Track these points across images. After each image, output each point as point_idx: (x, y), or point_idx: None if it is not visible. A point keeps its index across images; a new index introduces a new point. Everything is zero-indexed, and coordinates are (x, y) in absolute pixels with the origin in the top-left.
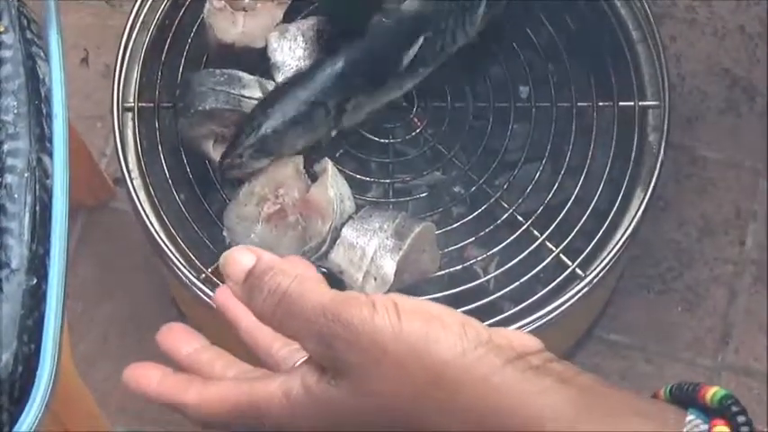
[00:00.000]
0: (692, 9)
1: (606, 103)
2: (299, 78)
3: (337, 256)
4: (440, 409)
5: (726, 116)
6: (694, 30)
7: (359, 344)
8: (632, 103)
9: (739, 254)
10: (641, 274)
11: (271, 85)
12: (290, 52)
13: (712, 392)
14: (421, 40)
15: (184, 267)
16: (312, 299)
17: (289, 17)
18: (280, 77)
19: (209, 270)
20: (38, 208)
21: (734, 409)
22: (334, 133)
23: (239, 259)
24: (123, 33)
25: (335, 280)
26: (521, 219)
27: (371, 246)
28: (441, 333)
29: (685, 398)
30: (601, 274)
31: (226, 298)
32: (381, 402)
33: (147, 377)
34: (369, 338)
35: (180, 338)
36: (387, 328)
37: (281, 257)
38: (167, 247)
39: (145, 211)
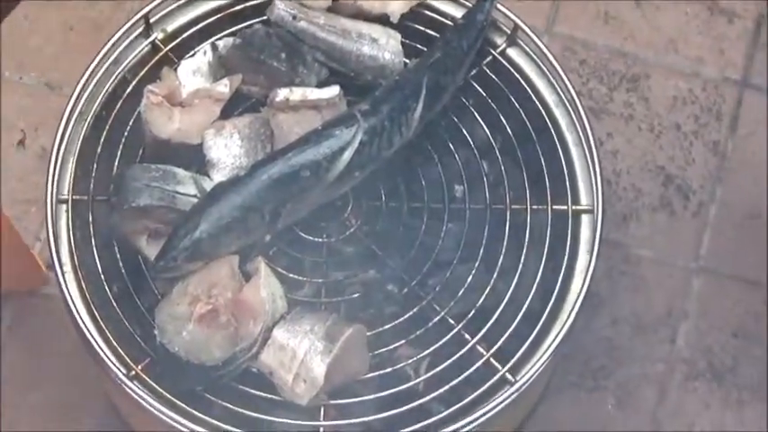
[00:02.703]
0: (629, 105)
1: (540, 207)
2: (235, 182)
3: (268, 358)
4: None
5: (660, 214)
6: (631, 126)
7: None
8: (566, 207)
9: (670, 352)
10: (573, 371)
11: (206, 182)
12: (225, 150)
13: None
14: (356, 144)
15: (113, 364)
16: None
17: (226, 114)
18: (215, 174)
19: (140, 367)
20: None
21: None
22: (268, 238)
23: None
24: (60, 124)
25: (266, 381)
26: (452, 322)
27: (302, 348)
28: None
29: None
30: (530, 381)
31: None
32: None
33: None
34: None
35: None
36: None
37: None
38: (96, 342)
39: (75, 306)
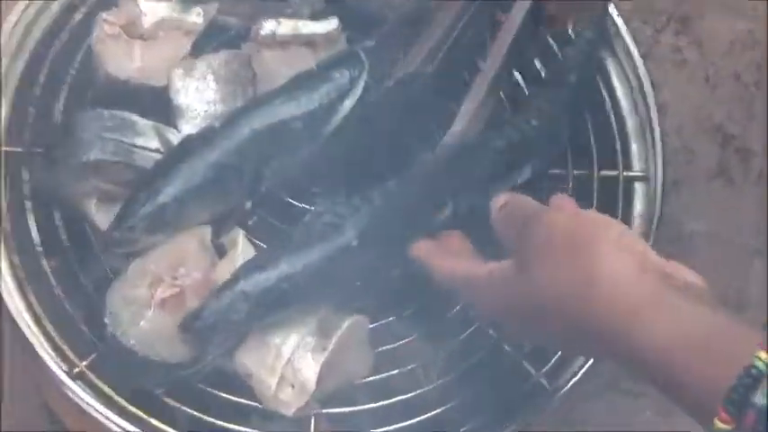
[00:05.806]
0: (678, 50)
1: (584, 172)
2: (209, 135)
3: (246, 356)
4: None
5: (716, 182)
6: (681, 75)
7: (543, 233)
8: (616, 173)
9: None
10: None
11: (172, 134)
12: (196, 94)
13: None
14: (359, 90)
15: (52, 359)
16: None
17: (198, 50)
18: (184, 125)
19: (84, 363)
20: None
21: None
22: (249, 204)
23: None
24: None
25: (243, 384)
26: None
27: (289, 345)
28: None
29: None
30: (569, 386)
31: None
32: (544, 283)
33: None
34: (551, 232)
35: None
36: (561, 222)
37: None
38: (32, 331)
39: (4, 284)
